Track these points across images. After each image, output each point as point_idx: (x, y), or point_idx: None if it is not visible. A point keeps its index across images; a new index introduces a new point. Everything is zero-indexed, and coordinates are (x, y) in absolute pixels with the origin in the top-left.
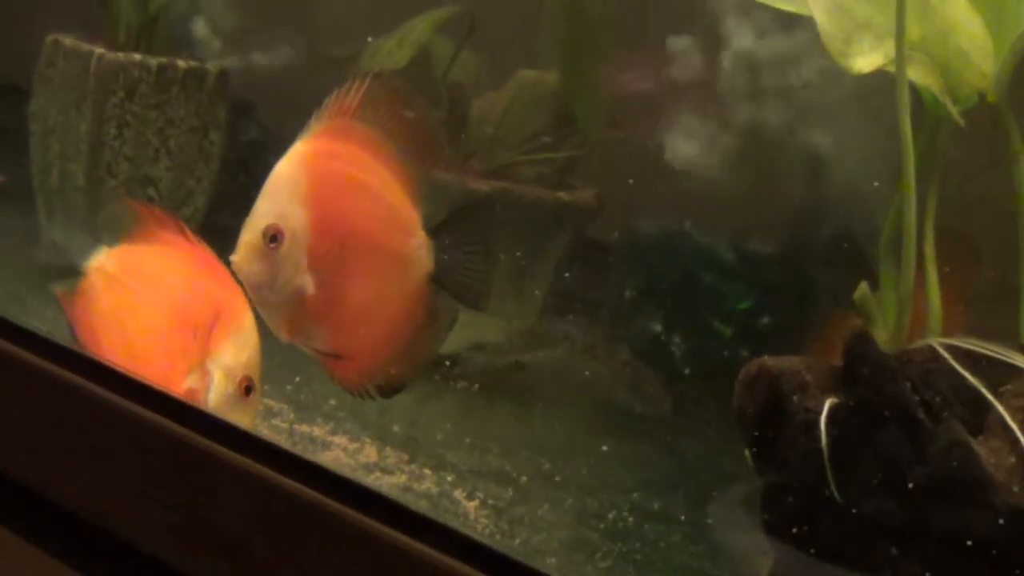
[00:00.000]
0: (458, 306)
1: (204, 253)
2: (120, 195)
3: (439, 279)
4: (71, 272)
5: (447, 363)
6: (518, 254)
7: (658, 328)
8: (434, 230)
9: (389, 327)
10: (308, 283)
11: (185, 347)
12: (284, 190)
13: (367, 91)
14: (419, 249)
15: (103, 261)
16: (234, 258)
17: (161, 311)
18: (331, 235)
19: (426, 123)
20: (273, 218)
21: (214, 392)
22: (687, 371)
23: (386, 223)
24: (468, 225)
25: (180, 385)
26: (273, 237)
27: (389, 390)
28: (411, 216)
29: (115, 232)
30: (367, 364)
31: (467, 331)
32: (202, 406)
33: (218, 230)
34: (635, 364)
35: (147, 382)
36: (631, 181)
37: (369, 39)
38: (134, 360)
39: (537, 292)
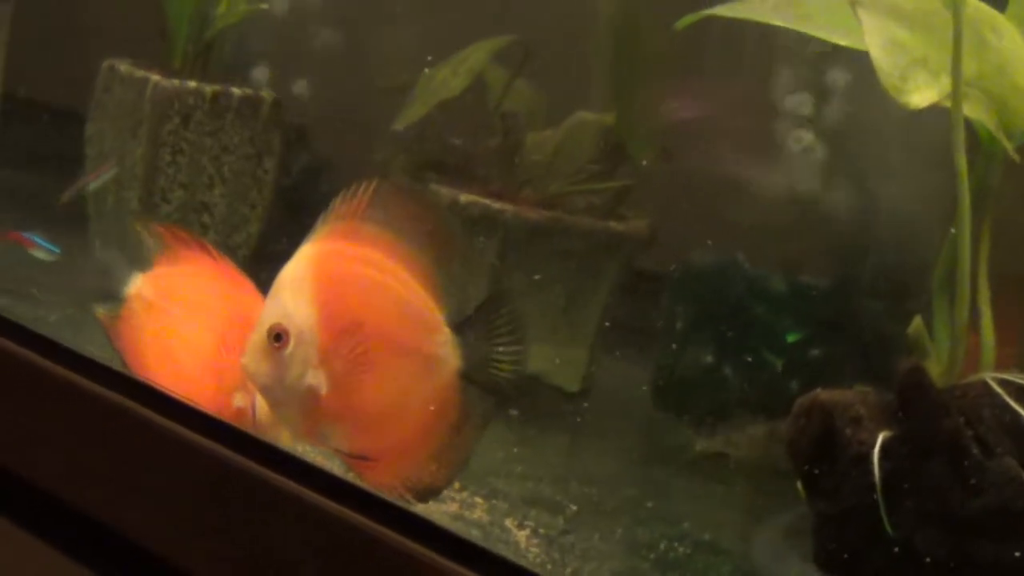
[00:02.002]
0: (492, 402)
1: (230, 269)
2: (142, 218)
3: (469, 376)
4: (119, 297)
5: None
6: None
7: (708, 358)
8: (459, 325)
9: (417, 427)
10: (321, 382)
11: (229, 366)
12: (289, 290)
13: (374, 193)
14: (444, 346)
15: (139, 286)
16: (243, 359)
17: (202, 332)
18: (342, 333)
19: (440, 219)
20: (277, 318)
21: (259, 408)
22: (737, 402)
23: (404, 320)
24: (495, 316)
25: (230, 406)
26: (277, 336)
27: (426, 493)
28: (433, 313)
29: (147, 257)
30: (397, 466)
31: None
32: (251, 424)
33: (271, 257)
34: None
35: (198, 406)
36: (683, 211)
37: (425, 69)
38: (183, 383)
39: (589, 321)
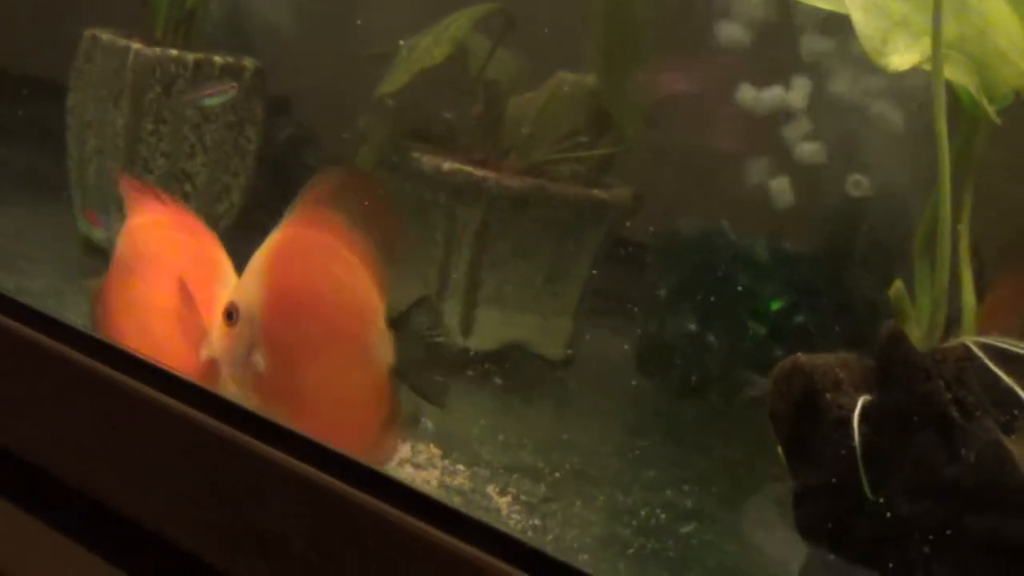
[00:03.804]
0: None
1: (186, 218)
2: (115, 167)
3: (400, 373)
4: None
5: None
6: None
7: (692, 326)
8: (395, 321)
9: (351, 418)
10: (260, 362)
11: (193, 318)
12: (251, 272)
13: (340, 181)
14: (381, 340)
15: (118, 247)
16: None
17: (164, 287)
18: (286, 317)
19: (390, 215)
20: (235, 296)
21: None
22: (721, 369)
23: (348, 311)
24: (427, 318)
25: (198, 358)
26: (229, 314)
27: None
28: (376, 306)
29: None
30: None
31: (502, 329)
32: (222, 375)
33: (254, 227)
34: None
35: (189, 379)
36: (668, 179)
37: (400, 41)
38: (156, 345)
39: (572, 290)
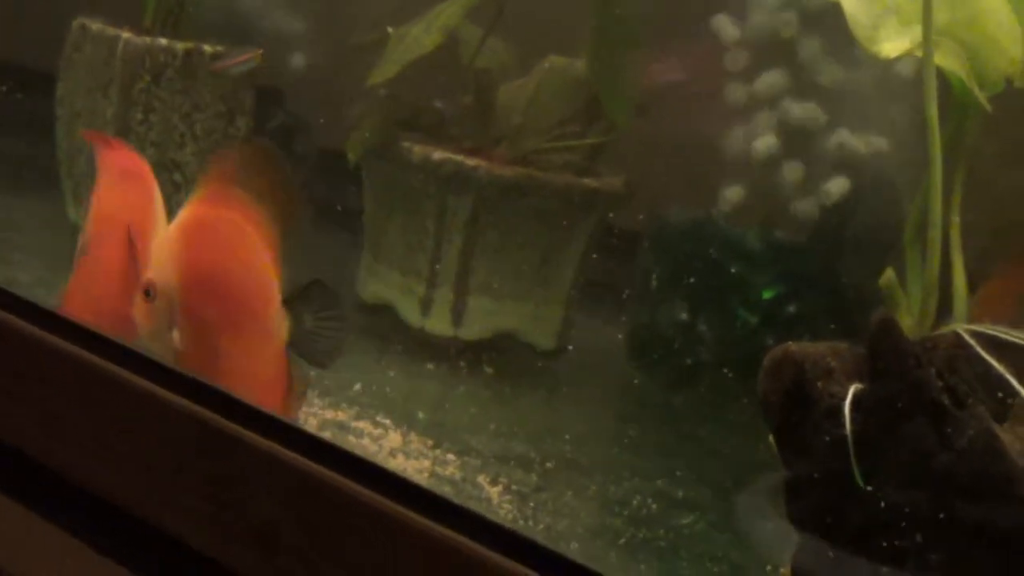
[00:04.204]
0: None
1: (123, 155)
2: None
3: (293, 346)
4: None
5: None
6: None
7: (684, 316)
8: (287, 301)
9: (260, 392)
10: (176, 339)
11: (130, 271)
12: (165, 248)
13: (244, 156)
14: (278, 316)
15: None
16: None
17: (106, 241)
18: (200, 294)
19: (291, 190)
20: (153, 274)
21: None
22: (713, 359)
23: (253, 288)
24: (319, 295)
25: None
26: (147, 292)
27: None
28: (274, 283)
29: None
30: None
31: (493, 318)
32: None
33: None
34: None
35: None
36: (658, 169)
37: (389, 29)
38: (98, 306)
39: (563, 279)
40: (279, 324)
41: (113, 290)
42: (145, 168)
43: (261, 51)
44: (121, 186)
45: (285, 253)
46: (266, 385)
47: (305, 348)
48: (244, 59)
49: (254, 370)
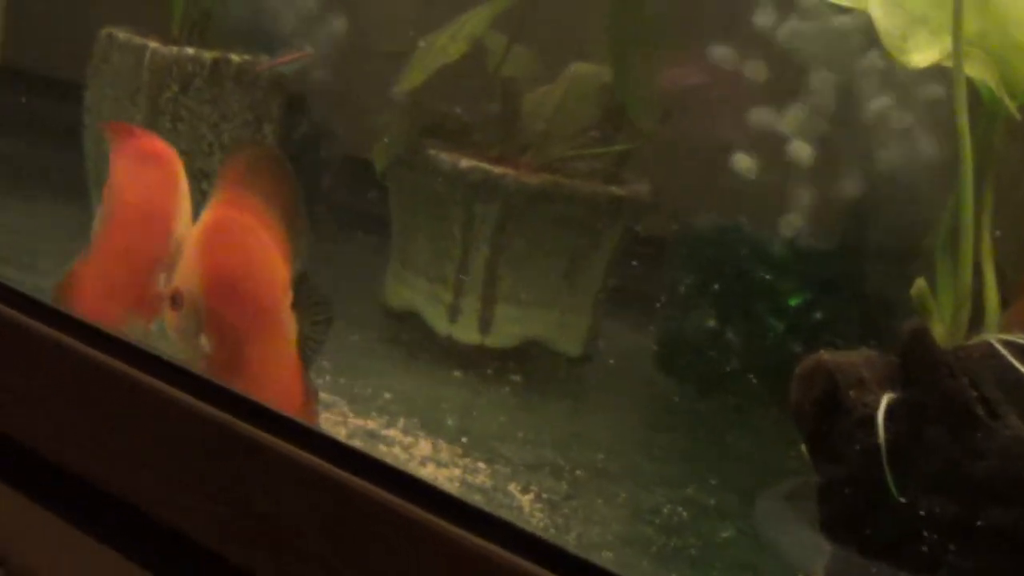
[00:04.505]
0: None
1: (145, 141)
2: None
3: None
4: None
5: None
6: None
7: (711, 323)
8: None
9: (283, 394)
10: (206, 344)
11: (144, 246)
12: (188, 256)
13: (249, 160)
14: (289, 317)
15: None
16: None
17: (124, 224)
18: (224, 299)
19: (293, 194)
20: (179, 282)
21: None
22: (740, 365)
23: (270, 290)
24: (310, 294)
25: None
26: (174, 300)
27: None
28: (287, 283)
29: None
30: None
31: (520, 325)
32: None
33: None
34: None
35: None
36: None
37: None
38: (112, 289)
39: (590, 286)
40: (291, 326)
41: (128, 273)
42: (169, 153)
43: (311, 51)
44: (141, 170)
45: (293, 256)
46: (286, 388)
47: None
48: (293, 58)
49: (275, 373)
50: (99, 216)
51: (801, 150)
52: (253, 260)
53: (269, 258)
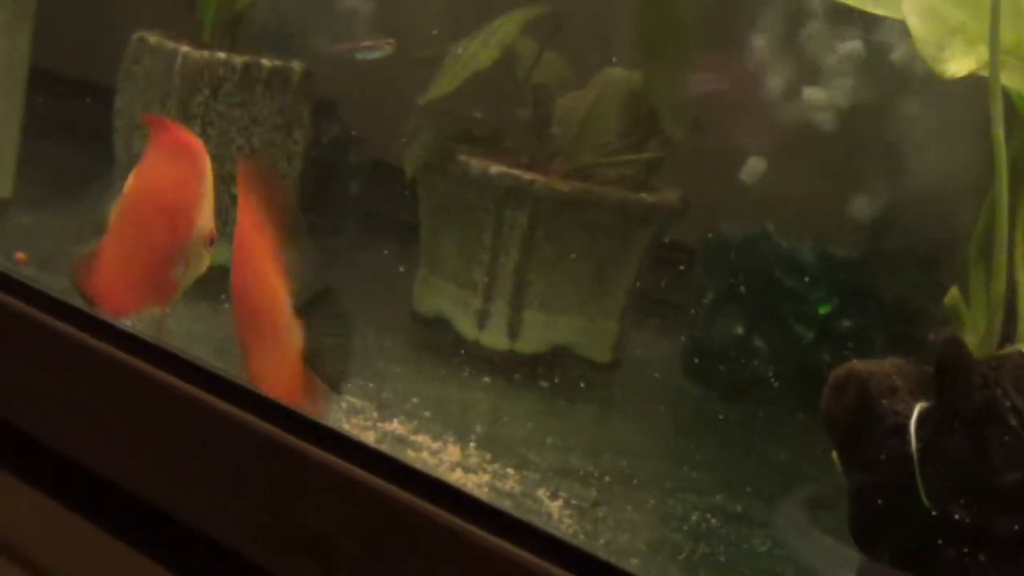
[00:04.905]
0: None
1: (177, 134)
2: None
3: (307, 358)
4: None
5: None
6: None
7: (739, 330)
8: (298, 310)
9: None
10: None
11: (168, 234)
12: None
13: (248, 171)
14: (293, 326)
15: None
16: None
17: (144, 213)
18: (241, 309)
19: (287, 203)
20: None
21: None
22: (768, 373)
23: (275, 300)
24: (330, 308)
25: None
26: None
27: None
28: (286, 294)
29: None
30: None
31: (549, 331)
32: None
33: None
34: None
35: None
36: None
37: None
38: (130, 275)
39: (619, 293)
40: (291, 333)
41: (146, 258)
42: (198, 147)
43: (392, 42)
44: (169, 162)
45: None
46: (284, 396)
47: (317, 363)
48: (374, 45)
49: (283, 381)
50: (119, 200)
51: (829, 156)
52: (261, 271)
53: (261, 266)
